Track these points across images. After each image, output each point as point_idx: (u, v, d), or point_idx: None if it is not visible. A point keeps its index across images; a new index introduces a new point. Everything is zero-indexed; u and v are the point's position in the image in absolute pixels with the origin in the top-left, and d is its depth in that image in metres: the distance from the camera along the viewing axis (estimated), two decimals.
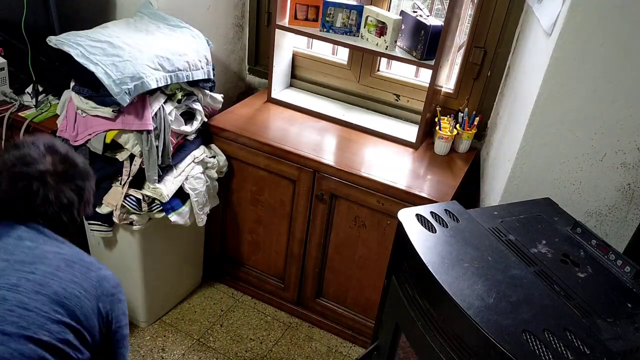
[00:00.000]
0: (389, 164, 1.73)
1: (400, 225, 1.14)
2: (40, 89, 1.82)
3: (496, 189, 1.48)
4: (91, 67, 1.46)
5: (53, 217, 1.03)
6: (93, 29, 1.63)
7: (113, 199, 1.63)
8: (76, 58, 1.47)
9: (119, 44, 1.54)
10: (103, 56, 1.49)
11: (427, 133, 1.89)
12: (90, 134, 1.57)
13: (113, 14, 1.92)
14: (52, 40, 1.52)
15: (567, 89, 1.20)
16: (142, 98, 1.56)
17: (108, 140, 1.56)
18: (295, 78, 2.19)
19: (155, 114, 1.58)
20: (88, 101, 1.55)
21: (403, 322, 1.16)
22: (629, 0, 1.08)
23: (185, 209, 1.73)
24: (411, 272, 1.11)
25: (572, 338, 0.87)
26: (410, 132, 1.90)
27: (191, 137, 1.76)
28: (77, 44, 1.49)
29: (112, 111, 1.53)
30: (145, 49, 1.56)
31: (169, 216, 1.69)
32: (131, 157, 1.61)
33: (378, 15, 1.74)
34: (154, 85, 1.53)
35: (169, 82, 1.59)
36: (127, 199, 1.62)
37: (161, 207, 1.67)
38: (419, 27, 1.68)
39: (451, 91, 1.93)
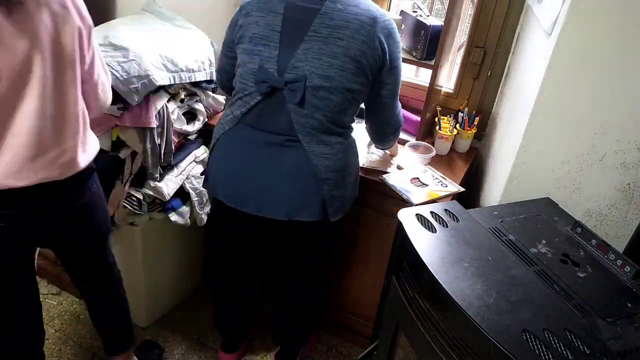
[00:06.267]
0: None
1: (400, 225, 1.14)
2: None
3: (496, 189, 1.48)
4: None
5: None
6: (99, 26, 1.63)
7: (115, 198, 1.63)
8: None
9: (123, 44, 1.54)
10: (108, 57, 1.50)
11: (427, 133, 1.89)
12: (99, 132, 1.57)
13: (113, 14, 1.92)
14: None
15: (567, 89, 1.20)
16: (146, 96, 1.56)
17: (113, 138, 1.56)
18: None
19: (159, 112, 1.58)
20: None
21: (403, 322, 1.16)
22: (629, 0, 1.08)
23: (185, 208, 1.73)
24: (411, 272, 1.11)
25: (572, 338, 0.87)
26: None
27: (192, 137, 1.77)
28: None
29: (117, 109, 1.53)
30: (150, 49, 1.57)
31: (170, 216, 1.69)
32: (132, 155, 1.61)
33: None
34: (160, 83, 1.54)
35: (172, 82, 1.59)
36: (128, 199, 1.62)
37: (162, 207, 1.68)
38: (419, 27, 1.68)
39: (451, 91, 1.93)
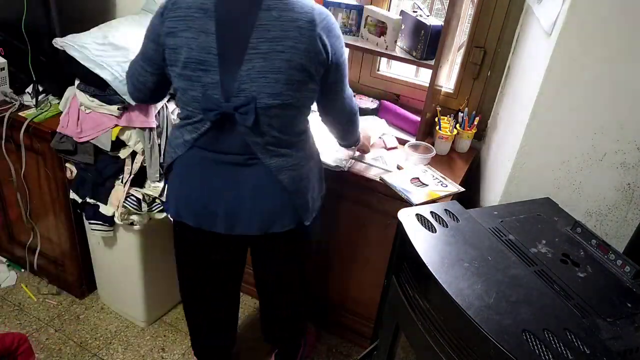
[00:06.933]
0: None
1: (400, 225, 1.14)
2: (40, 89, 1.82)
3: (496, 189, 1.48)
4: (97, 70, 1.48)
5: None
6: (98, 26, 1.64)
7: (116, 198, 1.63)
8: (81, 62, 1.49)
9: (123, 44, 1.55)
10: (108, 57, 1.50)
11: (427, 133, 1.89)
12: (99, 131, 1.57)
13: (113, 14, 1.93)
14: (58, 43, 1.53)
15: (567, 89, 1.20)
16: None
17: (113, 137, 1.57)
18: None
19: (158, 112, 1.58)
20: (93, 99, 1.56)
21: (403, 322, 1.16)
22: (628, 0, 1.08)
23: None
24: (411, 272, 1.11)
25: (572, 338, 0.87)
26: None
27: None
28: (81, 47, 1.51)
29: (117, 109, 1.54)
30: None
31: (169, 215, 1.69)
32: (132, 155, 1.61)
33: (378, 15, 1.74)
34: None
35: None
36: (128, 199, 1.62)
37: (161, 207, 1.68)
38: (419, 27, 1.68)
39: (451, 91, 1.93)
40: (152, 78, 1.30)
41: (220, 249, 1.45)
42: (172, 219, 1.45)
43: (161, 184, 1.64)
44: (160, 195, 1.64)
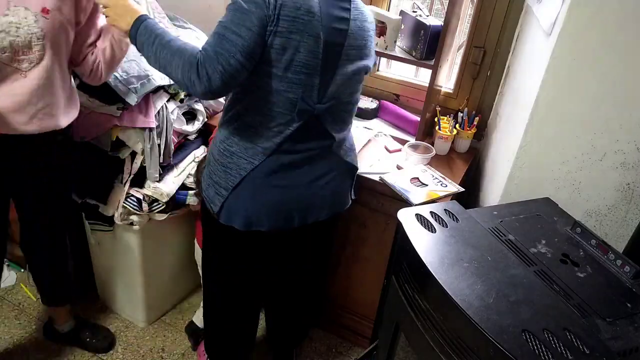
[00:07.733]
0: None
1: (400, 225, 1.14)
2: None
3: (496, 189, 1.48)
4: None
5: None
6: None
7: (115, 198, 1.63)
8: None
9: None
10: None
11: (427, 133, 1.89)
12: (98, 132, 1.57)
13: None
14: None
15: (567, 89, 1.20)
16: (146, 96, 1.56)
17: (113, 137, 1.57)
18: None
19: (158, 112, 1.58)
20: (93, 99, 1.56)
21: (403, 322, 1.16)
22: (628, 1, 1.08)
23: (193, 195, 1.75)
24: (411, 272, 1.11)
25: (572, 338, 0.87)
26: None
27: (192, 137, 1.77)
28: None
29: (117, 109, 1.54)
30: None
31: (187, 200, 1.70)
32: (132, 155, 1.61)
33: (378, 15, 1.74)
34: (159, 83, 1.54)
35: (172, 82, 1.59)
36: (128, 199, 1.62)
37: (162, 207, 1.68)
38: (418, 27, 1.69)
39: (451, 91, 1.93)
40: (245, 72, 1.16)
41: (275, 249, 1.47)
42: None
43: (161, 185, 1.64)
44: (164, 196, 1.64)
